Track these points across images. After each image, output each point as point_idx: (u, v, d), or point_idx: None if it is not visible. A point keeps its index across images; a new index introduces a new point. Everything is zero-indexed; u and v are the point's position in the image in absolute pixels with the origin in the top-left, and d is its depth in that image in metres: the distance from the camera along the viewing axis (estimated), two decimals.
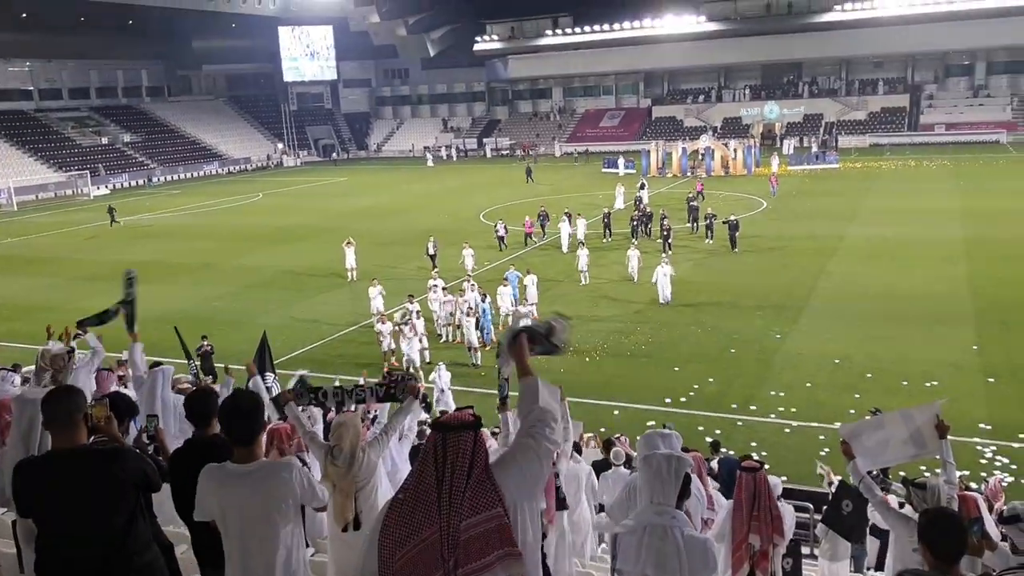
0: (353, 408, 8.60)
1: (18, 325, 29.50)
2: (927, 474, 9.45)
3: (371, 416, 9.98)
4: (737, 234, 38.33)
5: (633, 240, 38.89)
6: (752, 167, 70.11)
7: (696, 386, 22.11)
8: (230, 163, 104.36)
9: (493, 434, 10.41)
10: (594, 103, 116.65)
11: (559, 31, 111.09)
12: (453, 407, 19.36)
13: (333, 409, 9.24)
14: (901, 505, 7.40)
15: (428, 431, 4.02)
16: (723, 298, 30.67)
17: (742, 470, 7.74)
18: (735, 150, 72.01)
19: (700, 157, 71.80)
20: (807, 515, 12.47)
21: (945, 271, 32.65)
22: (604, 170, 76.02)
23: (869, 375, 22.23)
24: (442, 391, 20.90)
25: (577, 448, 11.39)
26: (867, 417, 7.88)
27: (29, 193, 79.36)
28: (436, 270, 32.56)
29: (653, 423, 18.37)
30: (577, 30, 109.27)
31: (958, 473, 7.43)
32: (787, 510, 8.26)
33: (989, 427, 18.52)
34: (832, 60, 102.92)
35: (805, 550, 10.90)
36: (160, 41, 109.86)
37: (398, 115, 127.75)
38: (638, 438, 7.28)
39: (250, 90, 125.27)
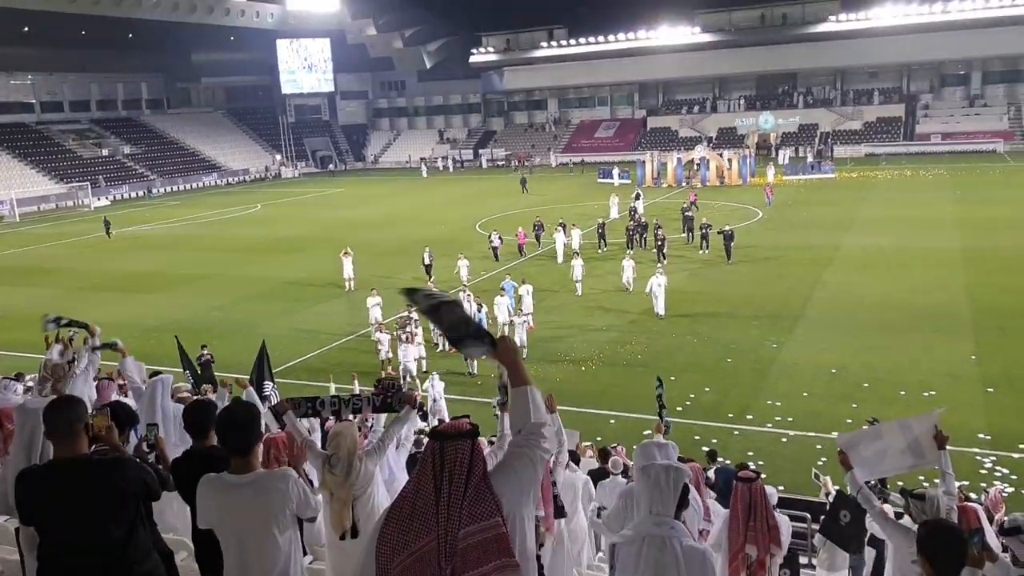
0: (351, 417, 8.57)
1: (20, 335, 29.42)
2: (926, 485, 9.42)
3: (368, 425, 9.96)
4: (732, 244, 38.30)
5: (628, 250, 38.90)
6: (747, 177, 70.23)
7: (692, 395, 22.07)
8: (229, 174, 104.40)
9: (490, 442, 10.38)
10: (589, 114, 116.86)
11: (554, 43, 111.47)
12: (447, 416, 19.35)
13: (331, 418, 9.21)
14: (898, 515, 7.36)
15: (426, 440, 4.01)
16: (719, 308, 30.65)
17: (738, 480, 7.72)
18: (730, 160, 72.09)
19: (695, 167, 71.90)
20: (804, 525, 12.43)
21: (942, 280, 32.65)
22: (599, 181, 76.12)
23: (866, 385, 22.18)
24: (434, 400, 20.84)
25: (575, 457, 11.38)
26: (865, 427, 7.83)
27: (31, 204, 79.54)
28: (432, 280, 32.62)
29: (649, 433, 18.32)
30: (572, 42, 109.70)
31: (957, 483, 7.39)
32: (783, 520, 8.23)
33: (988, 437, 18.47)
34: (827, 70, 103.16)
35: (803, 560, 10.86)
36: (159, 54, 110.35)
37: (395, 126, 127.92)
38: (634, 448, 7.25)
39: (248, 102, 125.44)
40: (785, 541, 7.93)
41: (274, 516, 5.15)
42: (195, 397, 11.77)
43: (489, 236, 42.56)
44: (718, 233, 39.32)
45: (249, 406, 5.60)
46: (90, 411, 5.71)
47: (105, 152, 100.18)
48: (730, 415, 20.78)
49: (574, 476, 9.59)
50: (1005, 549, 6.53)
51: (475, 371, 24.90)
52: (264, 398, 14.40)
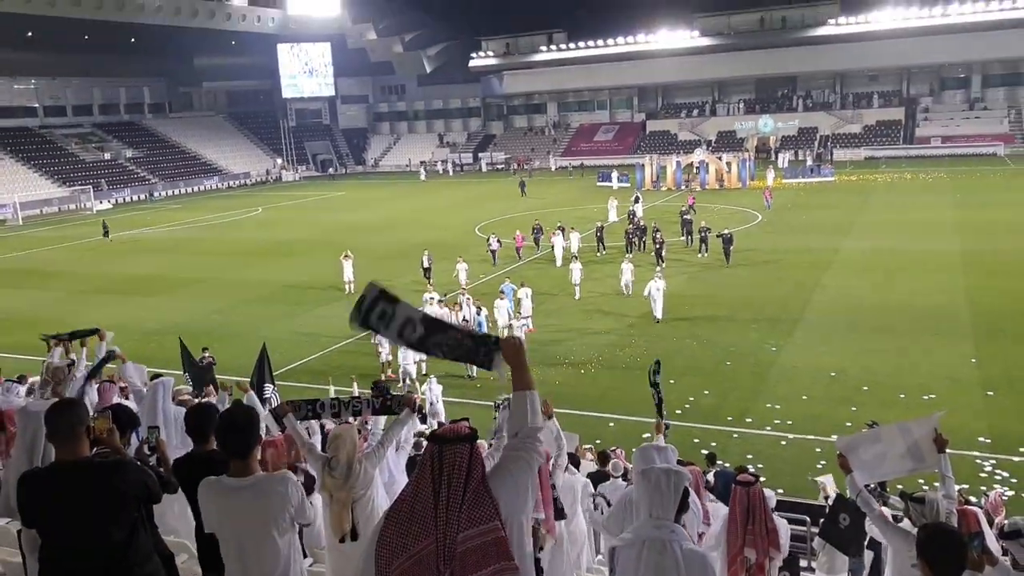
0: (350, 420, 8.58)
1: (23, 337, 29.41)
2: (925, 488, 9.41)
3: (368, 427, 9.98)
4: (731, 247, 38.29)
5: (627, 254, 38.89)
6: (747, 180, 70.27)
7: (692, 399, 22.04)
8: (230, 178, 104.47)
9: (489, 444, 10.37)
10: (588, 117, 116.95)
11: (553, 47, 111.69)
12: (444, 419, 19.37)
13: (330, 421, 9.22)
14: (897, 519, 7.35)
15: (425, 443, 4.02)
16: (718, 311, 30.64)
17: (737, 484, 7.71)
18: (729, 164, 72.09)
19: (695, 171, 71.93)
20: (804, 528, 12.41)
21: (942, 284, 32.62)
22: (599, 184, 76.15)
23: (865, 388, 22.16)
24: (431, 404, 20.82)
25: (574, 460, 11.37)
26: (864, 430, 7.82)
27: (34, 208, 79.60)
28: (431, 284, 32.65)
29: (648, 436, 18.30)
30: (571, 46, 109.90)
31: (957, 487, 7.38)
32: (782, 524, 8.22)
33: (988, 440, 18.43)
34: (826, 74, 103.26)
35: (802, 563, 10.85)
36: (161, 59, 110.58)
37: (395, 130, 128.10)
38: (634, 451, 7.24)
39: (250, 106, 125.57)
40: (784, 544, 7.92)
41: (273, 519, 5.16)
42: (196, 400, 11.76)
43: (488, 240, 42.56)
44: (717, 236, 39.30)
45: (248, 409, 5.60)
46: (91, 414, 5.71)
47: (107, 156, 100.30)
48: (729, 418, 20.76)
49: (573, 479, 9.59)
50: (1005, 553, 6.52)
51: (474, 374, 24.86)
52: (264, 400, 14.41)
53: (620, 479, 10.57)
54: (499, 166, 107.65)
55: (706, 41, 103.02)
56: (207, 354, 23.35)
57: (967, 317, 27.99)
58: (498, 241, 41.89)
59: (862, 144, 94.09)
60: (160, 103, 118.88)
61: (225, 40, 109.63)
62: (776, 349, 25.91)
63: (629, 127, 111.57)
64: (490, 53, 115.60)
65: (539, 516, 6.84)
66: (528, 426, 4.07)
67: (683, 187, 69.92)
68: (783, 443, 19.25)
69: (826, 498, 12.36)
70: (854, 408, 20.52)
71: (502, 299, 28.63)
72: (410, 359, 24.50)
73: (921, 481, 12.54)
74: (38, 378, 11.32)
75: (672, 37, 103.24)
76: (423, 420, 15.92)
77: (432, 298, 28.91)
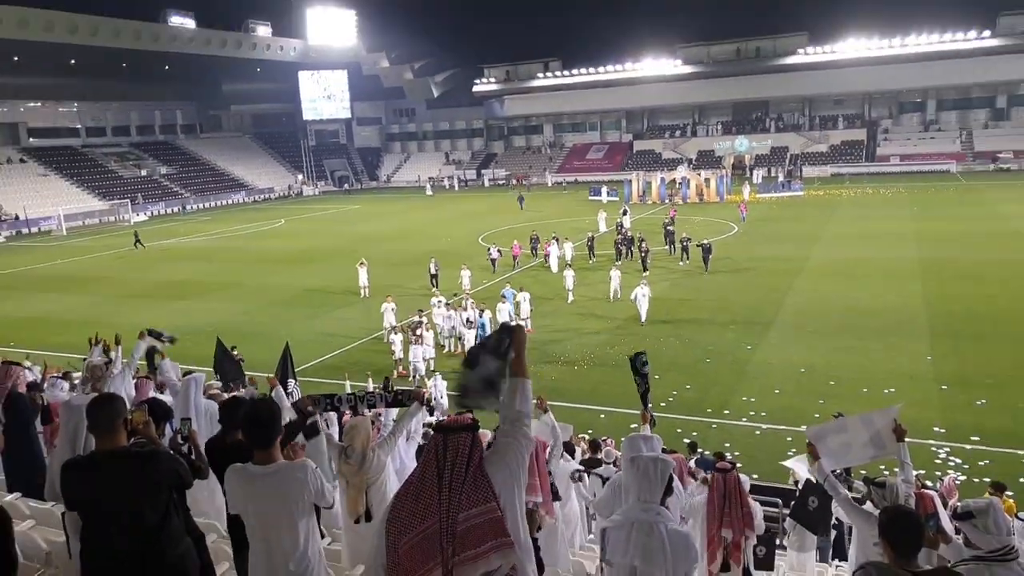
0: (366, 412, 8.60)
1: (67, 338, 29.42)
2: (886, 473, 9.40)
3: (381, 419, 10.00)
4: (710, 256, 38.24)
5: (616, 262, 38.87)
6: (724, 195, 70.23)
7: (675, 392, 22.04)
8: (255, 193, 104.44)
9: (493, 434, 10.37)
10: (581, 138, 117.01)
11: (550, 74, 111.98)
12: (447, 413, 19.33)
13: (348, 413, 9.22)
14: (860, 501, 7.34)
15: (432, 433, 4.05)
16: (699, 314, 30.62)
17: (715, 470, 7.71)
18: (708, 180, 72.12)
19: (677, 186, 71.98)
20: (776, 510, 12.41)
21: (901, 288, 32.62)
22: (590, 198, 76.10)
23: (832, 383, 22.16)
24: (436, 399, 20.80)
25: (570, 448, 11.37)
26: (831, 421, 7.82)
27: (76, 220, 79.52)
28: (436, 289, 32.71)
29: (635, 426, 18.28)
30: (566, 73, 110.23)
31: (915, 472, 7.38)
32: (756, 507, 8.22)
33: (943, 430, 18.44)
34: (796, 98, 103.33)
35: (775, 542, 10.84)
36: (193, 84, 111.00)
37: (406, 149, 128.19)
38: (622, 440, 7.24)
39: (273, 127, 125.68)
40: (759, 525, 7.92)
41: (294, 503, 5.17)
42: (226, 394, 11.76)
43: (488, 249, 42.51)
44: (697, 246, 39.30)
45: (271, 404, 5.60)
46: (129, 407, 5.72)
47: (143, 172, 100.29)
48: (709, 410, 20.75)
49: (568, 465, 9.61)
50: (958, 532, 6.51)
51: None
52: (288, 395, 14.39)
53: (612, 466, 10.58)
54: (500, 182, 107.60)
55: (688, 69, 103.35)
56: (236, 353, 23.33)
57: (924, 319, 27.99)
58: (498, 251, 41.88)
59: (828, 162, 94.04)
60: (192, 124, 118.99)
61: (251, 68, 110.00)
62: (751, 348, 25.90)
63: (618, 146, 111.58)
64: (492, 79, 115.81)
65: (536, 500, 6.84)
66: (515, 410, 4.10)
67: (667, 201, 69.93)
68: (757, 432, 19.24)
69: (795, 482, 12.37)
70: (822, 401, 20.52)
71: (503, 303, 28.69)
72: (419, 356, 24.53)
73: (882, 467, 12.54)
74: (79, 373, 11.34)
75: (657, 65, 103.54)
76: (431, 412, 15.92)
77: (440, 301, 28.95)
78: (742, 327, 28.39)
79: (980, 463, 16.79)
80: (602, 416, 20.55)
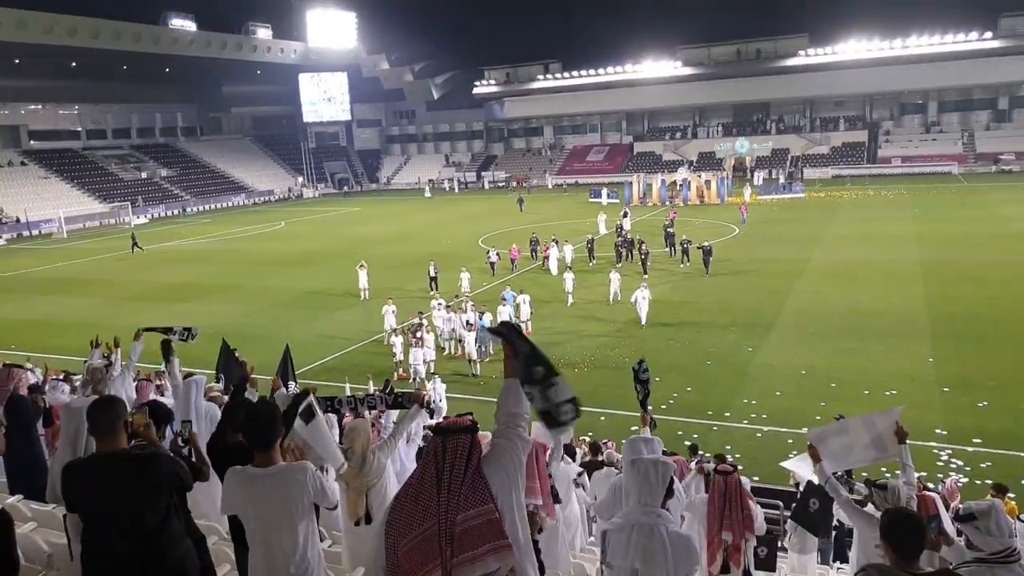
0: (367, 414, 8.60)
1: (67, 340, 29.45)
2: (888, 476, 9.40)
3: (382, 421, 10.00)
4: (711, 258, 38.24)
5: (617, 264, 38.83)
6: (725, 197, 70.30)
7: (675, 394, 22.04)
8: (255, 195, 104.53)
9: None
10: (581, 140, 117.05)
11: (550, 76, 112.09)
12: (445, 416, 19.29)
13: (348, 415, 9.22)
14: (862, 504, 7.34)
15: (431, 435, 4.07)
16: (699, 316, 30.61)
17: (716, 473, 7.71)
18: (709, 182, 72.14)
19: (678, 188, 72.02)
20: (777, 512, 12.40)
21: (903, 290, 32.61)
22: (590, 200, 76.12)
23: (833, 385, 22.16)
24: (435, 402, 20.76)
25: (571, 450, 11.37)
26: (832, 423, 7.81)
27: (77, 222, 79.67)
28: (435, 291, 32.72)
29: (636, 428, 18.26)
30: (566, 74, 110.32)
31: (916, 475, 7.37)
32: (757, 510, 8.22)
33: (945, 432, 18.44)
34: (797, 100, 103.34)
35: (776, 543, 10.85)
36: (193, 87, 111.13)
37: (405, 151, 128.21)
38: (623, 442, 7.24)
39: (273, 130, 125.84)
40: (760, 527, 7.92)
41: (293, 504, 5.16)
42: (227, 396, 11.74)
43: (487, 252, 42.56)
44: (698, 248, 39.30)
45: (271, 406, 5.60)
46: (129, 410, 5.72)
47: (144, 175, 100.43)
48: (710, 412, 20.75)
49: (568, 468, 9.59)
50: (960, 534, 6.51)
51: (478, 372, 24.90)
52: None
53: (614, 468, 10.58)
54: (500, 184, 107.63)
55: (688, 71, 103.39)
56: (237, 355, 23.27)
57: (925, 321, 27.99)
58: (497, 254, 41.88)
59: (829, 164, 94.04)
60: (192, 127, 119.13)
61: (251, 70, 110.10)
62: (752, 350, 25.89)
63: (618, 148, 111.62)
64: (492, 81, 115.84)
65: (537, 502, 6.84)
66: (510, 412, 4.13)
67: (667, 203, 69.94)
68: (758, 435, 19.24)
69: (796, 484, 12.37)
70: (823, 403, 20.50)
71: (503, 305, 28.70)
72: (419, 359, 24.51)
73: (884, 469, 12.53)
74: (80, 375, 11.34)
75: (657, 67, 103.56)
76: (431, 415, 15.93)
77: (440, 304, 28.97)
78: (743, 329, 28.38)
79: (982, 465, 16.80)
80: (602, 418, 20.53)
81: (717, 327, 28.89)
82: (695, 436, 18.31)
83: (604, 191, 75.74)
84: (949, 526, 7.18)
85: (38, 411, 9.85)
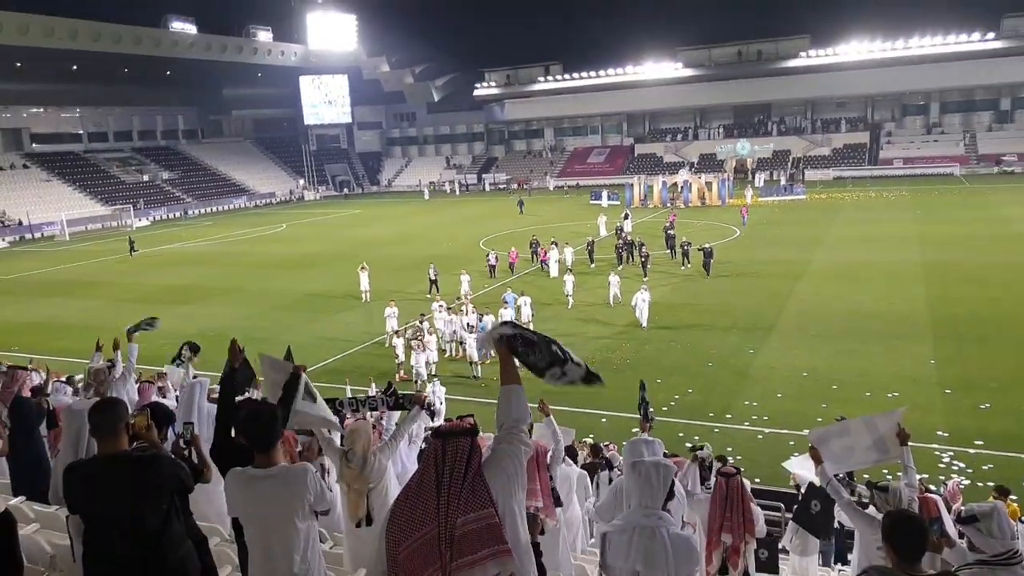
0: (368, 415, 8.61)
1: (69, 343, 29.48)
2: (889, 478, 9.39)
3: (383, 423, 10.00)
4: (712, 260, 38.21)
5: (617, 267, 38.81)
6: (726, 199, 70.30)
7: (677, 396, 22.04)
8: (257, 197, 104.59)
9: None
10: (582, 142, 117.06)
11: (550, 77, 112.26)
12: (444, 419, 19.28)
13: (349, 416, 9.23)
14: (863, 506, 7.34)
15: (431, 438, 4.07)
16: (700, 318, 30.59)
17: (719, 474, 7.71)
18: (710, 183, 72.16)
19: (679, 190, 72.02)
20: (778, 514, 12.39)
21: (904, 292, 32.59)
22: (591, 202, 76.14)
23: (835, 386, 22.15)
24: (435, 404, 20.73)
25: (572, 453, 11.37)
26: (834, 425, 7.81)
27: (79, 225, 79.78)
28: (436, 294, 32.71)
29: (636, 430, 18.26)
30: (566, 76, 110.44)
31: (918, 476, 7.37)
32: (757, 512, 8.22)
33: (946, 434, 18.42)
34: (798, 101, 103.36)
35: (777, 545, 10.84)
36: (194, 90, 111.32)
37: (406, 154, 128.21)
38: (624, 444, 7.24)
39: (274, 132, 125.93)
40: (760, 530, 7.92)
41: (293, 506, 5.14)
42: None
43: (487, 255, 42.57)
44: (699, 250, 39.28)
45: (271, 408, 5.60)
46: (131, 411, 5.72)
47: (145, 177, 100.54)
48: (711, 414, 20.74)
49: (569, 470, 9.60)
50: (962, 536, 6.51)
51: (479, 374, 24.89)
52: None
53: (616, 471, 10.59)
54: (501, 186, 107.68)
55: (689, 72, 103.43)
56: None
57: (927, 322, 27.96)
58: (496, 257, 41.89)
59: (831, 165, 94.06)
60: (193, 130, 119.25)
61: (252, 73, 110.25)
62: (753, 352, 25.88)
63: (619, 150, 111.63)
64: (492, 83, 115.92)
65: (538, 504, 6.84)
66: (511, 417, 4.12)
67: (668, 205, 69.95)
68: (760, 437, 19.23)
69: (797, 486, 12.36)
70: (824, 405, 20.48)
71: (504, 307, 28.71)
72: (421, 362, 24.51)
73: (885, 471, 12.53)
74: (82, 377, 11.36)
75: (658, 69, 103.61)
76: (431, 417, 15.93)
77: (441, 306, 28.98)
78: (744, 331, 28.37)
79: (984, 467, 16.77)
80: (603, 420, 20.54)
81: (718, 329, 28.88)
82: (696, 438, 18.28)
83: (605, 193, 75.78)
84: (951, 528, 7.17)
85: (42, 413, 9.87)
